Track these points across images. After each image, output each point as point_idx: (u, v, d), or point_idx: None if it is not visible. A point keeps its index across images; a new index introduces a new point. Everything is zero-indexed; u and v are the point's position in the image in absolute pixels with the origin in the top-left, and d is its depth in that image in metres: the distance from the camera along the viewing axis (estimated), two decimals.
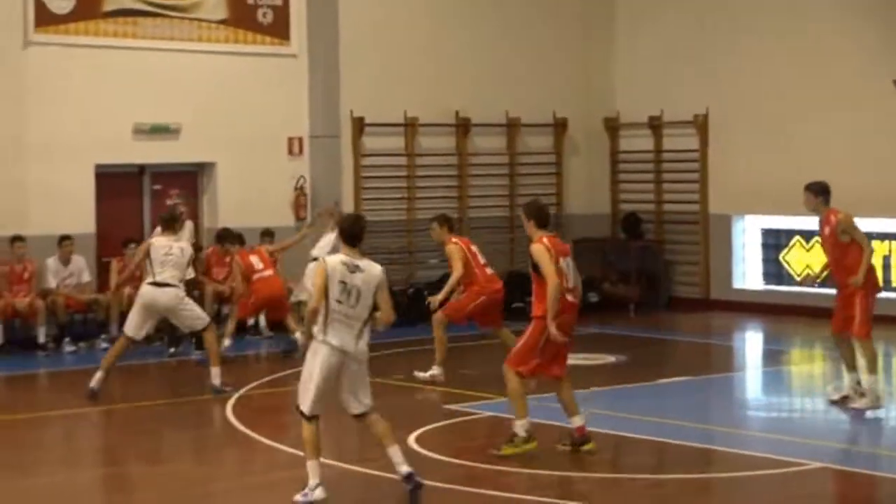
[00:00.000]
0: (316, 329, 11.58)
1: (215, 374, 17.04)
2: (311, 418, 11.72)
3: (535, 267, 13.36)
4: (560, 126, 26.33)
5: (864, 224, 16.27)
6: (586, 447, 13.58)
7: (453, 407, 16.19)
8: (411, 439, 14.34)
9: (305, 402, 11.68)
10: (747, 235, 25.40)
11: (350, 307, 11.53)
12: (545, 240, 13.38)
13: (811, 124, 23.88)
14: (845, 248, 15.63)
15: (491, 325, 18.30)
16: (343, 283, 11.52)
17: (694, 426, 15.06)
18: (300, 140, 23.60)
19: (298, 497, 11.58)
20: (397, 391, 17.49)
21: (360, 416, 11.97)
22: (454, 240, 17.86)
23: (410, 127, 24.64)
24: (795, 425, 15.81)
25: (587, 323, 22.80)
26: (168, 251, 17.11)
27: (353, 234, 11.86)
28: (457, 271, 17.50)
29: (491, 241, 24.36)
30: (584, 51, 26.71)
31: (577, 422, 13.66)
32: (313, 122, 23.72)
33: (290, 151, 23.52)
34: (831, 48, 23.59)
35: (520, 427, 13.48)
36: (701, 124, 25.48)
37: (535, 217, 13.57)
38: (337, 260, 11.67)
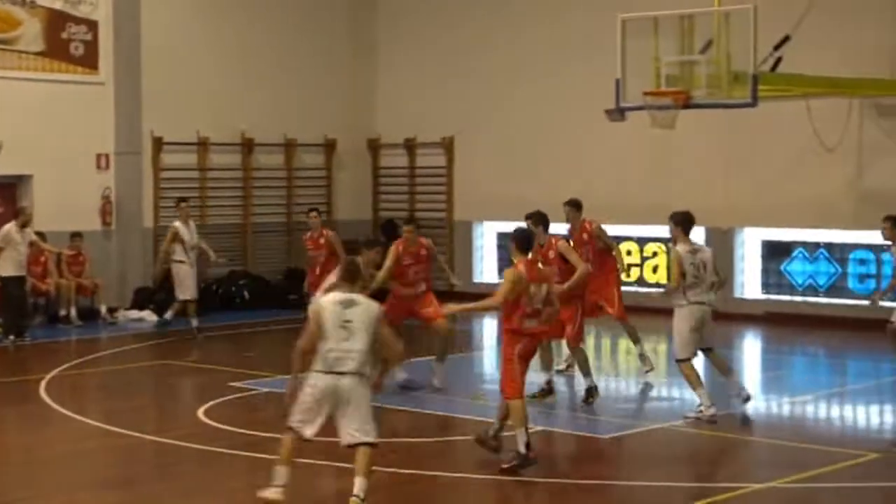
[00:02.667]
0: None
1: None
2: None
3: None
4: (330, 146, 26.49)
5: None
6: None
7: (237, 384, 16.23)
8: (201, 412, 14.43)
9: None
10: (486, 238, 25.96)
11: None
12: (521, 266, 11.96)
13: (537, 145, 24.54)
14: (599, 251, 16.22)
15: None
16: None
17: (437, 397, 15.26)
18: (107, 156, 23.35)
19: None
20: (189, 372, 17.54)
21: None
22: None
23: (202, 146, 24.57)
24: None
25: None
26: None
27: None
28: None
29: (271, 243, 24.65)
30: (351, 83, 26.90)
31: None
32: (118, 141, 23.48)
33: (98, 166, 23.25)
34: (557, 82, 24.19)
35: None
36: (448, 145, 25.96)
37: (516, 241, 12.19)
38: None
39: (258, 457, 12.29)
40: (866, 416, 15.08)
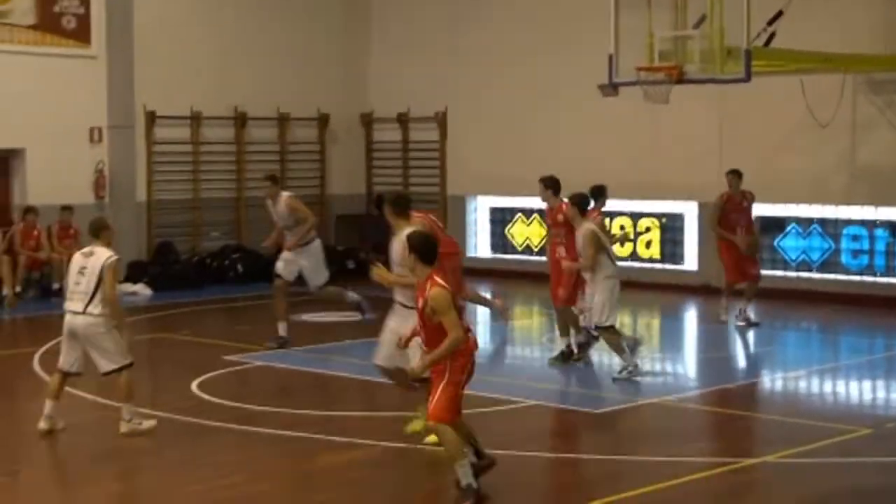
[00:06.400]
0: None
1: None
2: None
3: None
4: (323, 120, 26.42)
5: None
6: None
7: (231, 358, 16.22)
8: (194, 385, 14.42)
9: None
10: (478, 213, 25.93)
11: (76, 284, 12.20)
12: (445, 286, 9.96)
13: (530, 122, 24.50)
14: (571, 234, 15.37)
15: None
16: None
17: None
18: (100, 130, 23.26)
19: None
20: (183, 345, 17.51)
21: (107, 374, 12.34)
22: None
23: (195, 120, 24.52)
24: (517, 370, 16.08)
25: (348, 286, 23.06)
26: None
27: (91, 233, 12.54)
28: None
29: (265, 217, 24.49)
30: (343, 58, 26.80)
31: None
32: (111, 115, 23.39)
33: (91, 139, 23.18)
34: (549, 57, 24.08)
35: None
36: (440, 120, 25.90)
37: None
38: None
39: (250, 430, 12.39)
40: (859, 391, 15.10)
